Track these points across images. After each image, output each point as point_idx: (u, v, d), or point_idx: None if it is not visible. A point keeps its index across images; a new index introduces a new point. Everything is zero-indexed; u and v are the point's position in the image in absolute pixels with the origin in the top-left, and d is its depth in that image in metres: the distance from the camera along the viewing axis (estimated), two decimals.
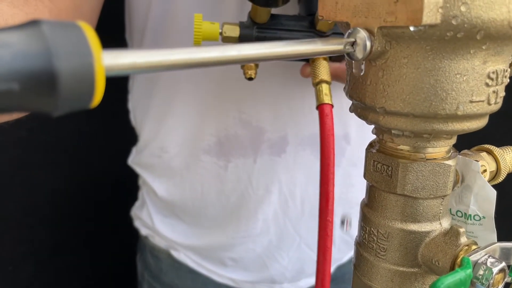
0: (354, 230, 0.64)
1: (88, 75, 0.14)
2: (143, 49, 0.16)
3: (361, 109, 0.26)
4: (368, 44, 0.23)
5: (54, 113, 0.14)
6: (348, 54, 0.23)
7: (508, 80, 0.25)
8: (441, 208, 0.27)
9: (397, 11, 0.21)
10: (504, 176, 0.32)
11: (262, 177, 0.62)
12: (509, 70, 0.24)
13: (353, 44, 0.23)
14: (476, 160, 0.30)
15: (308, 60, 0.48)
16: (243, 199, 0.63)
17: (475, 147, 0.32)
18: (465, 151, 0.31)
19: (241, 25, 0.46)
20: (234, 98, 0.60)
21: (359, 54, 0.23)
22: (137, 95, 0.68)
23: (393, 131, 0.25)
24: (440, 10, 0.21)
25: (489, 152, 0.31)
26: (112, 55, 0.15)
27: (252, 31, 0.46)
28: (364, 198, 0.30)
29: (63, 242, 0.98)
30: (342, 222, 0.44)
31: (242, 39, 0.46)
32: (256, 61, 0.19)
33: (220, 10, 0.54)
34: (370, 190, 0.28)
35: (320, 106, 0.44)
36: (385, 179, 0.27)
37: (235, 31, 0.45)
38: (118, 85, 0.74)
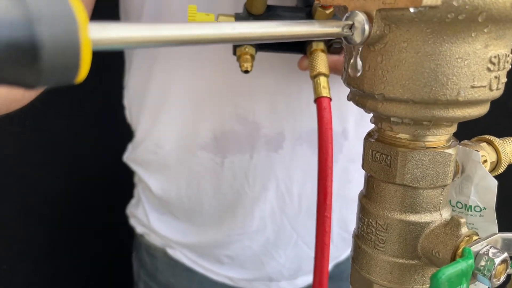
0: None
1: (73, 45, 0.13)
2: (133, 22, 0.15)
3: (359, 97, 0.26)
4: (367, 27, 0.22)
5: (37, 86, 0.13)
6: (346, 38, 0.23)
7: (510, 66, 0.24)
8: (441, 198, 0.26)
9: None
10: (505, 167, 0.31)
11: (259, 173, 0.61)
12: (511, 55, 0.24)
13: (351, 27, 0.22)
14: (476, 150, 0.29)
15: (306, 53, 0.47)
16: (239, 196, 0.63)
17: (475, 138, 0.31)
18: (465, 141, 0.31)
19: (237, 16, 0.45)
20: (230, 93, 0.59)
21: (357, 38, 0.22)
22: (132, 90, 0.67)
23: (392, 119, 0.25)
24: None
25: (490, 143, 0.31)
26: (100, 27, 0.14)
27: None
28: (362, 189, 0.29)
29: (59, 241, 0.97)
30: None
31: None
32: (251, 41, 0.19)
33: (216, 1, 0.54)
34: (369, 181, 0.28)
35: (318, 99, 0.44)
36: (384, 168, 0.26)
37: None
38: (114, 80, 0.74)
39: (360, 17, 0.22)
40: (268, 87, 0.58)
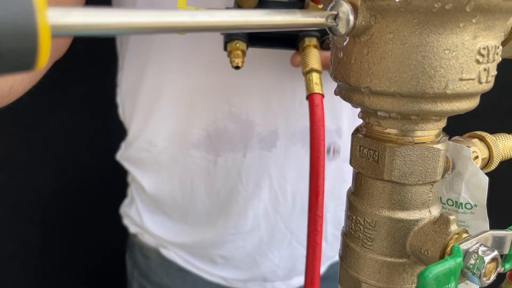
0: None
1: (29, 30, 0.12)
2: (99, 7, 0.14)
3: (346, 91, 0.25)
4: (351, 18, 0.21)
5: None
6: (330, 29, 0.22)
7: (500, 59, 0.23)
8: (431, 195, 0.25)
9: None
10: (497, 164, 0.31)
11: (252, 172, 0.61)
12: (501, 47, 0.23)
13: (335, 17, 0.21)
14: (467, 146, 0.28)
15: (299, 49, 0.47)
16: (232, 195, 0.62)
17: (467, 134, 0.31)
18: (456, 137, 0.30)
19: None
20: (223, 91, 0.58)
21: (342, 29, 0.22)
22: (125, 88, 0.66)
23: (379, 113, 0.24)
24: None
25: (482, 139, 0.30)
26: (60, 13, 0.13)
27: None
28: (350, 187, 0.28)
29: (52, 241, 0.97)
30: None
31: None
32: (230, 30, 0.18)
33: (208, 3, 0.53)
34: (357, 177, 0.27)
35: (310, 96, 0.43)
36: (372, 164, 0.25)
37: None
38: (107, 79, 0.73)
39: (345, 7, 0.21)
40: (261, 85, 0.57)
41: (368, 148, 0.25)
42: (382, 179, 0.25)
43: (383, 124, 0.25)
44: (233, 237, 0.64)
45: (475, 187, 0.27)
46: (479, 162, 0.29)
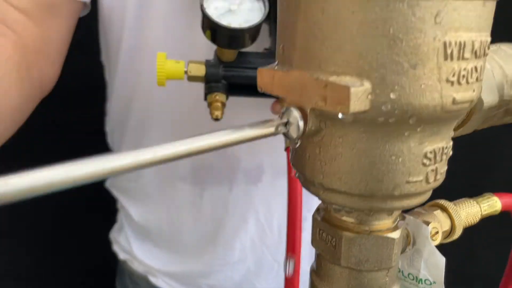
0: None
1: None
2: (40, 168, 0.15)
3: (304, 180, 0.26)
4: (301, 124, 0.22)
5: None
6: (283, 133, 0.23)
7: (451, 153, 0.24)
8: (387, 279, 0.26)
9: (326, 95, 0.21)
10: (460, 233, 0.31)
11: (238, 206, 0.62)
12: (450, 144, 0.24)
13: (286, 124, 0.22)
14: (427, 222, 0.29)
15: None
16: (219, 227, 0.63)
17: (429, 203, 0.32)
18: (419, 209, 0.31)
19: (207, 63, 0.45)
20: (209, 125, 0.59)
21: (293, 133, 0.22)
22: (113, 118, 0.67)
23: (333, 206, 0.25)
24: (369, 96, 0.20)
25: (443, 209, 0.31)
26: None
27: (219, 70, 0.45)
28: (313, 263, 0.29)
29: (51, 240, 0.98)
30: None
31: (209, 78, 0.45)
32: (178, 159, 0.19)
33: (191, 42, 0.54)
34: (318, 258, 0.28)
35: (288, 148, 0.44)
36: (330, 249, 0.26)
37: (200, 70, 0.45)
38: (99, 106, 0.74)
39: (295, 114, 0.22)
40: (247, 120, 0.58)
41: (326, 232, 0.26)
42: (339, 265, 0.26)
43: (339, 213, 0.26)
44: (220, 268, 0.66)
45: (432, 266, 0.28)
46: (439, 237, 0.30)
